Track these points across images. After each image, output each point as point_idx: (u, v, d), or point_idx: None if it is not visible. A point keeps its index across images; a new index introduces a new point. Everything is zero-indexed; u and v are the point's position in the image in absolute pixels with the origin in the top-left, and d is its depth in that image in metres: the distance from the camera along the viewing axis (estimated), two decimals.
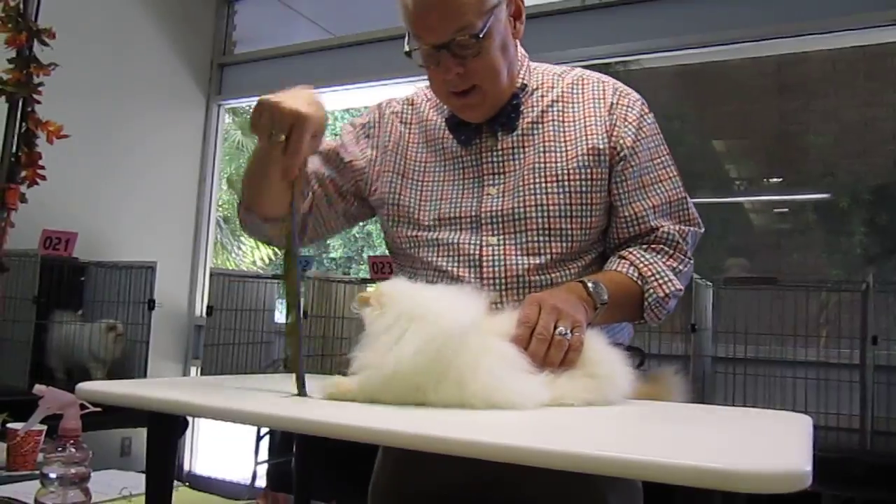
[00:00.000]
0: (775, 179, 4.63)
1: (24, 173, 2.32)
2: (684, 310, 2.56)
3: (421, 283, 1.19)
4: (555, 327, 1.01)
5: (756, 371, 2.48)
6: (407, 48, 1.22)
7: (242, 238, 8.74)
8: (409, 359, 0.88)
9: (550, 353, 0.99)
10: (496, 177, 1.25)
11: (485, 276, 1.20)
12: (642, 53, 3.33)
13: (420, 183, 1.30)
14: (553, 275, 1.21)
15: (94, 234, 3.55)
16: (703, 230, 1.31)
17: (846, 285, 2.46)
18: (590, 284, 1.15)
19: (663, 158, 1.30)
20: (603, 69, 1.42)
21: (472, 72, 1.19)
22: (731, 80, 4.22)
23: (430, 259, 1.25)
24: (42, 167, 2.34)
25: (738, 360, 2.47)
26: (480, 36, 1.16)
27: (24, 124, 2.33)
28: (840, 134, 4.42)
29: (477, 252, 1.22)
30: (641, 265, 1.23)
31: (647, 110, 1.30)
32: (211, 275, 3.35)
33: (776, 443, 0.78)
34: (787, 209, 4.57)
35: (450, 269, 1.23)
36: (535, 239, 1.21)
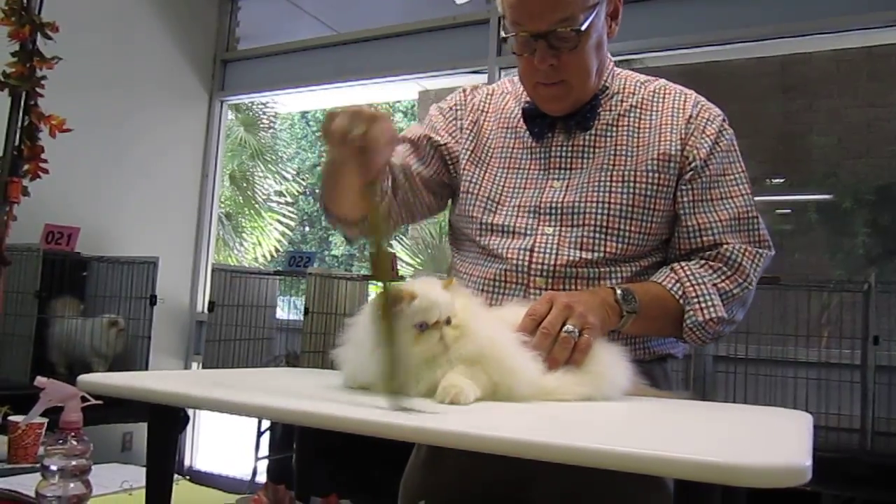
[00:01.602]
0: (778, 180, 4.62)
1: (26, 167, 2.31)
2: None
3: (471, 264, 1.26)
4: (563, 325, 1.00)
5: (757, 371, 2.48)
6: (503, 34, 1.21)
7: (244, 234, 8.75)
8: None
9: (555, 350, 0.99)
10: (562, 171, 1.25)
11: (534, 262, 1.20)
12: (645, 52, 3.33)
13: (486, 167, 1.31)
14: (602, 270, 1.19)
15: (97, 228, 3.56)
16: (773, 252, 1.25)
17: (848, 285, 2.45)
18: (618, 291, 1.13)
19: (737, 175, 1.26)
20: None
21: (565, 65, 1.19)
22: (735, 80, 4.22)
23: (484, 241, 1.26)
24: (45, 161, 2.34)
25: (739, 360, 2.47)
26: (581, 29, 1.16)
27: (26, 118, 2.33)
28: (843, 134, 4.42)
29: (530, 241, 1.21)
30: (688, 283, 1.19)
31: (727, 126, 1.27)
32: (213, 270, 3.36)
33: (776, 438, 0.78)
34: (789, 210, 4.56)
35: (500, 251, 1.23)
36: (591, 235, 1.20)
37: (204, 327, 3.61)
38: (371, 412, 0.79)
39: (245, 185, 8.56)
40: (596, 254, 1.19)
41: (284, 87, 4.34)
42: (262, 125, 8.46)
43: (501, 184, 1.28)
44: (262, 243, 8.74)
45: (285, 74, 4.22)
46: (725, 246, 1.21)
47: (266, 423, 3.46)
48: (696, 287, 1.18)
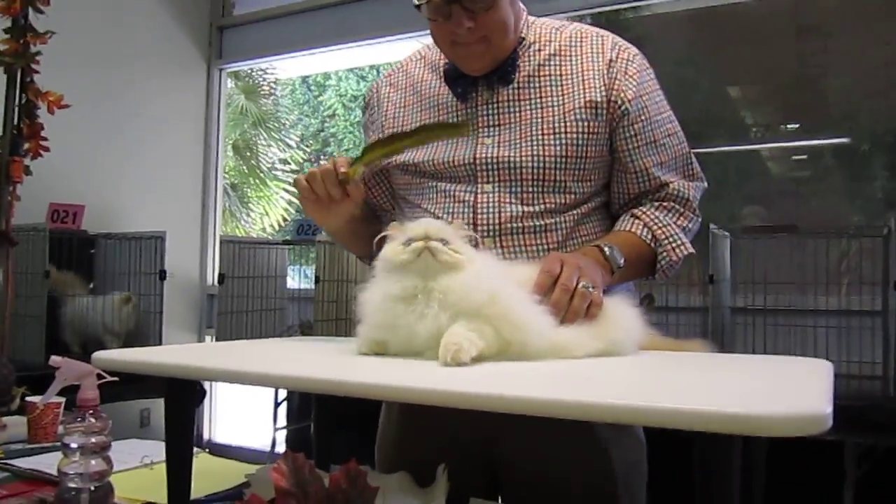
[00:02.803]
0: (793, 125, 4.57)
1: (26, 146, 2.32)
2: (701, 261, 2.56)
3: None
4: (578, 282, 1.03)
5: (776, 321, 2.48)
6: (416, 1, 1.22)
7: (251, 204, 8.77)
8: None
9: (574, 302, 1.02)
10: (491, 129, 1.27)
11: (478, 222, 1.23)
12: None
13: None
14: (547, 222, 1.23)
15: (101, 205, 3.57)
16: (706, 185, 1.36)
17: (867, 231, 2.44)
18: (606, 249, 1.18)
19: (668, 113, 1.33)
20: (612, 16, 1.41)
21: (483, 26, 1.21)
22: (746, 23, 4.14)
23: (426, 206, 1.29)
24: (45, 139, 2.35)
25: (757, 311, 2.47)
26: None
27: (23, 96, 2.32)
28: (860, 75, 4.34)
29: (471, 199, 1.24)
30: (655, 227, 1.26)
31: (646, 64, 1.32)
32: (221, 242, 3.37)
33: (796, 387, 0.78)
34: (805, 155, 4.51)
35: (444, 216, 1.26)
36: (530, 189, 1.23)
37: (215, 300, 3.64)
38: (384, 376, 0.80)
39: (249, 154, 8.56)
40: (537, 207, 1.23)
41: (283, 52, 4.30)
42: (262, 92, 8.43)
43: (433, 150, 1.29)
44: (269, 213, 8.76)
45: (284, 38, 4.19)
46: (671, 185, 1.29)
47: (283, 394, 3.51)
48: (663, 229, 1.26)
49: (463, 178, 1.26)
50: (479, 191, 1.24)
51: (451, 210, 1.26)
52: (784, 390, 0.78)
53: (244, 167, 8.61)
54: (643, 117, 1.27)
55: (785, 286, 2.48)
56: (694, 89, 4.11)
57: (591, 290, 1.03)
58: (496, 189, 1.24)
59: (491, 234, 1.23)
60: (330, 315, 2.94)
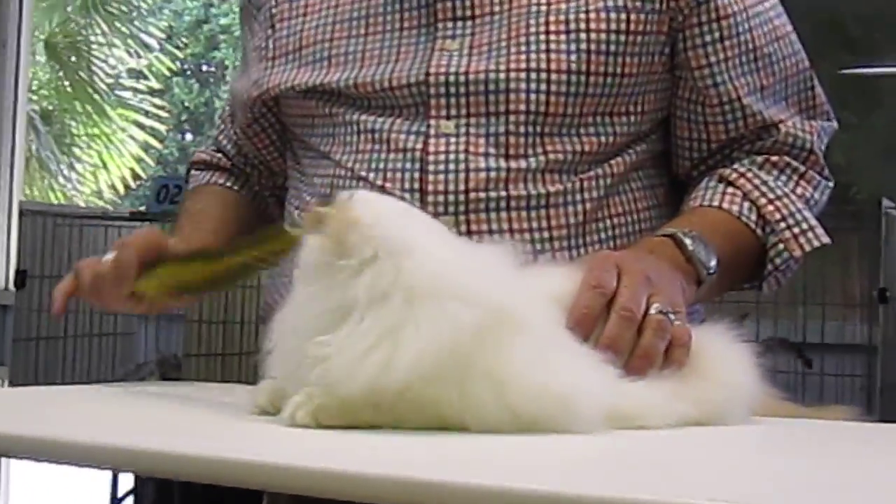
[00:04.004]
0: None
1: None
2: (864, 266, 2.58)
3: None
4: (648, 304, 1.01)
5: None
6: None
7: (76, 148, 8.74)
8: (413, 367, 0.85)
9: (645, 338, 0.99)
10: (459, 24, 1.27)
11: (430, 188, 1.22)
12: None
13: (330, 44, 1.33)
14: (554, 188, 1.23)
15: None
16: (836, 125, 1.36)
17: None
18: (688, 242, 1.17)
19: (772, 4, 1.34)
20: None
21: None
22: None
23: (338, 156, 1.29)
24: None
25: None
26: None
27: None
28: None
29: (419, 145, 1.24)
30: (763, 199, 1.27)
31: None
32: (21, 214, 3.37)
33: None
34: None
35: (370, 176, 1.25)
36: (522, 129, 1.23)
37: (9, 316, 3.63)
38: (295, 453, 0.80)
39: (74, 60, 8.52)
40: (534, 160, 1.23)
41: None
42: None
43: (359, 59, 1.30)
44: (110, 164, 8.74)
45: None
46: (784, 126, 1.31)
47: (128, 481, 3.51)
48: (778, 203, 1.27)
49: (405, 110, 1.27)
50: (432, 132, 1.24)
51: (381, 164, 1.26)
52: None
53: (65, 83, 8.58)
54: (732, 9, 1.27)
55: None
56: None
57: (671, 317, 1.02)
58: (462, 130, 1.24)
59: (451, 208, 1.21)
60: (210, 345, 2.95)
